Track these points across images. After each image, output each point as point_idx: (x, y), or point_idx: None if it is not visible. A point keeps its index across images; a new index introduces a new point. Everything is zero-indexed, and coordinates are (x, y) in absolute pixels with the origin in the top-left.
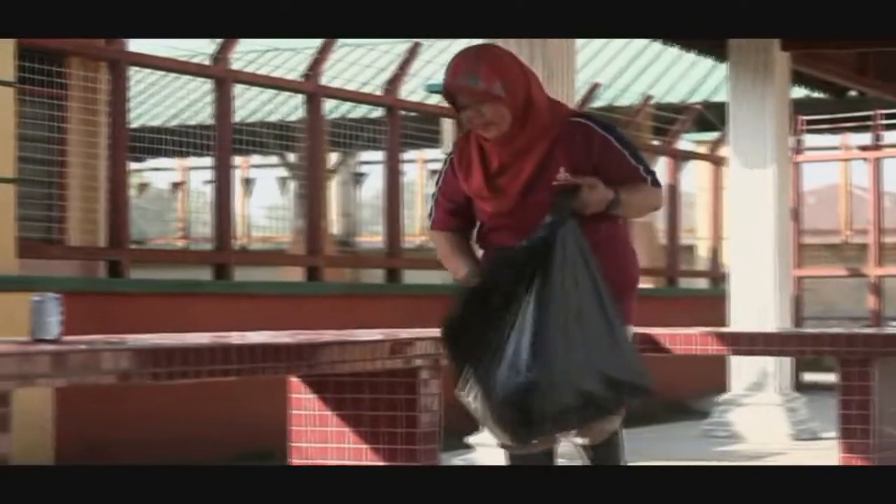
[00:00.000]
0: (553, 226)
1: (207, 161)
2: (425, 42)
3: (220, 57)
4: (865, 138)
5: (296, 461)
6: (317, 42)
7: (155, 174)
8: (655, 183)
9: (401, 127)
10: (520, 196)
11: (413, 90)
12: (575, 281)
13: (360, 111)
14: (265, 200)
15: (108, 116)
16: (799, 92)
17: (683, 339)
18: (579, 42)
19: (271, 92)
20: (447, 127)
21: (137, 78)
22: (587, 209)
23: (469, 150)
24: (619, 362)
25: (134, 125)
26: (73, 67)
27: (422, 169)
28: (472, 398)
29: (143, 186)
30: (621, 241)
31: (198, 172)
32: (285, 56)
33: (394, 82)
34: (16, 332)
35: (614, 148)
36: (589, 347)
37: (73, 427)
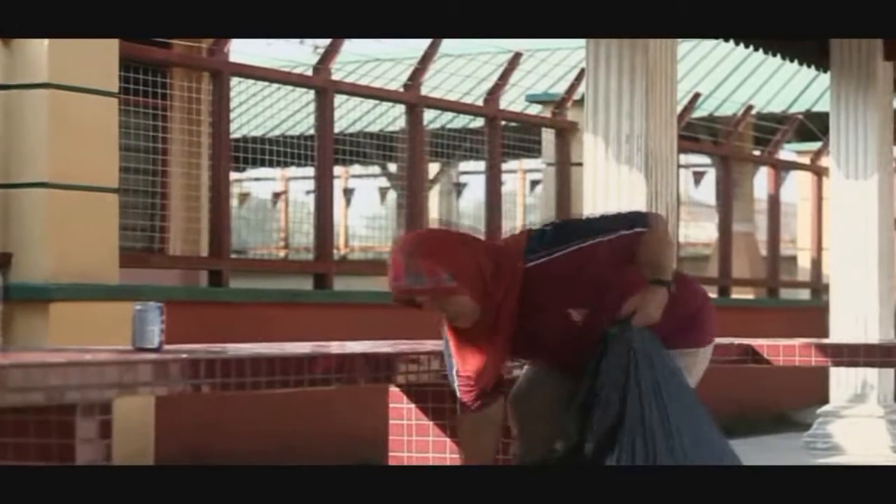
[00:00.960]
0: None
1: (308, 171)
2: (526, 52)
3: (322, 67)
4: None
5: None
6: (418, 52)
7: (256, 184)
8: (642, 221)
9: (501, 137)
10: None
11: (513, 100)
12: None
13: (461, 121)
14: (365, 210)
15: (210, 126)
16: None
17: (785, 350)
18: (680, 51)
19: (372, 102)
20: (548, 137)
21: (239, 88)
22: (653, 319)
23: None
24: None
25: (235, 135)
26: (175, 78)
27: (522, 179)
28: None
29: (244, 196)
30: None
31: (299, 183)
32: (386, 66)
33: (494, 92)
34: (118, 340)
35: (586, 250)
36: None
37: (173, 434)
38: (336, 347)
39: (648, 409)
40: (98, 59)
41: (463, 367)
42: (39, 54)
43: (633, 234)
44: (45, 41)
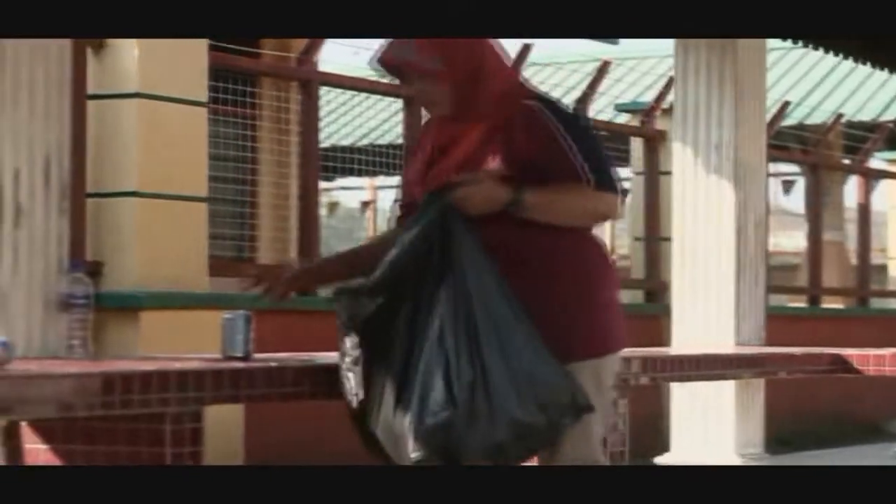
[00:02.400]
0: (425, 222)
1: (397, 180)
2: (615, 60)
3: None
4: None
5: None
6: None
7: (344, 193)
8: (605, 186)
9: None
10: None
11: (602, 109)
12: (478, 286)
13: None
14: None
15: (298, 136)
16: None
17: (875, 360)
18: (769, 60)
19: None
20: (636, 146)
21: (328, 98)
22: (469, 208)
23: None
24: (547, 378)
25: (324, 144)
26: (264, 87)
27: None
28: (380, 435)
29: (333, 205)
30: (566, 252)
31: (387, 192)
32: None
33: (583, 101)
34: (207, 348)
35: (556, 138)
36: (511, 366)
37: (262, 440)
38: None
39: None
40: (188, 68)
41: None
42: (130, 64)
43: (586, 177)
44: (136, 51)
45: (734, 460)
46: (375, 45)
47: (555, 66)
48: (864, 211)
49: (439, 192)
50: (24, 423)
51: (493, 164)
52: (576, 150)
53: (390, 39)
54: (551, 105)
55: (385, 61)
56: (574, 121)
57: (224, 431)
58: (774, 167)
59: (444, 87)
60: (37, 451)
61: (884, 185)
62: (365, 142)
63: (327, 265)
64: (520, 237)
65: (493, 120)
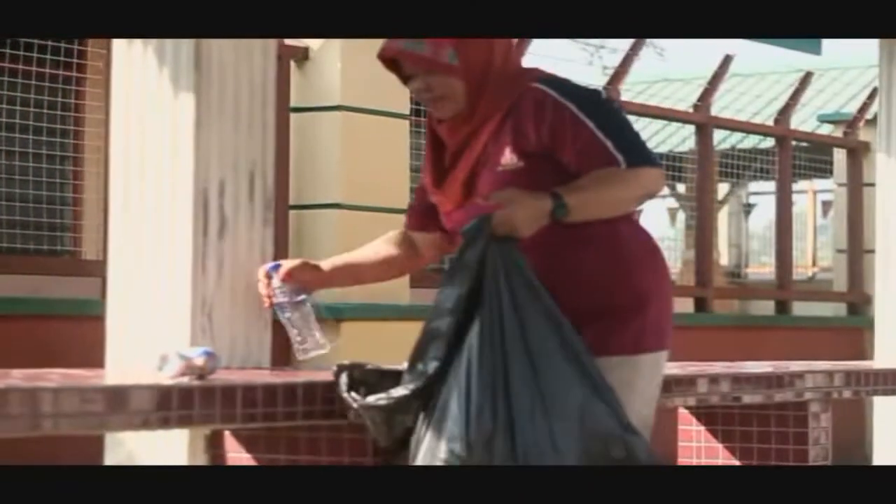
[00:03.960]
0: (468, 258)
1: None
2: (817, 71)
3: (611, 88)
4: None
5: None
6: (708, 72)
7: None
8: (639, 161)
9: (792, 157)
10: (463, 192)
11: (804, 120)
12: (518, 318)
13: (751, 141)
14: (655, 231)
15: None
16: None
17: None
18: None
19: (661, 122)
20: (839, 157)
21: None
22: (516, 233)
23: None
24: (596, 422)
25: None
26: None
27: (812, 200)
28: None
29: None
30: (609, 239)
31: None
32: (675, 86)
33: (785, 112)
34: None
35: (572, 119)
36: (546, 406)
37: None
38: None
39: (482, 353)
40: (389, 81)
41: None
42: (332, 77)
43: (614, 156)
44: (339, 63)
45: None
46: (563, 54)
47: (756, 76)
48: None
49: (476, 228)
50: (227, 432)
51: (507, 158)
52: (597, 129)
53: (386, 43)
54: (560, 84)
55: (387, 56)
56: (589, 98)
57: None
58: None
59: (457, 82)
60: (239, 460)
61: None
62: None
63: (334, 272)
64: (549, 231)
65: (501, 110)
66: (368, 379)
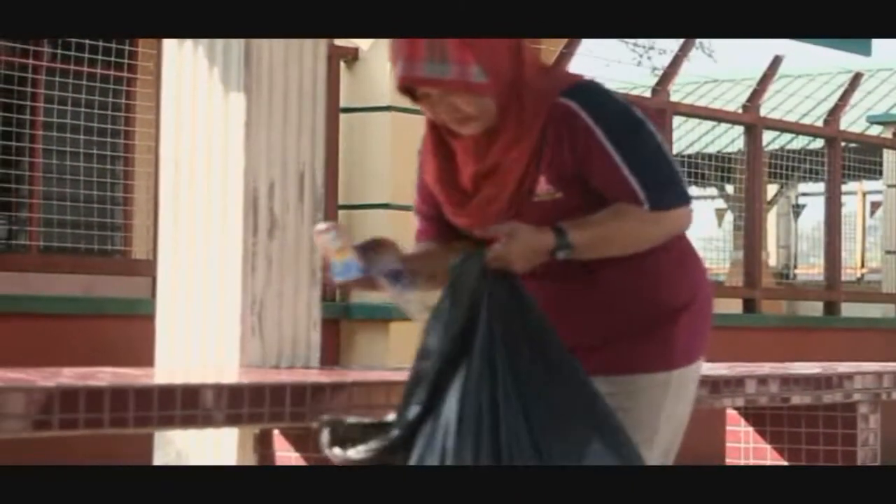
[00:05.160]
0: (458, 296)
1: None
2: (867, 71)
3: (661, 89)
4: None
5: None
6: (757, 73)
7: None
8: (664, 203)
9: (841, 158)
10: (499, 218)
11: (854, 120)
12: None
13: (800, 142)
14: (702, 232)
15: None
16: None
17: None
18: None
19: (710, 123)
20: (889, 158)
21: None
22: (511, 266)
23: (426, 134)
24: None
25: None
26: None
27: (862, 201)
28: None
29: None
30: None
31: None
32: (724, 87)
33: (835, 112)
34: None
35: (598, 148)
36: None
37: None
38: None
39: (479, 395)
40: None
41: (426, 173)
42: (381, 77)
43: (637, 195)
44: (388, 63)
45: None
46: (613, 55)
47: (805, 77)
48: None
49: (469, 258)
50: (276, 431)
51: (543, 188)
52: (622, 163)
53: (412, 57)
54: (593, 101)
55: (407, 82)
56: (621, 121)
57: None
58: None
59: (487, 100)
60: (288, 459)
61: None
62: None
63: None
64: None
65: (539, 120)
66: (351, 434)
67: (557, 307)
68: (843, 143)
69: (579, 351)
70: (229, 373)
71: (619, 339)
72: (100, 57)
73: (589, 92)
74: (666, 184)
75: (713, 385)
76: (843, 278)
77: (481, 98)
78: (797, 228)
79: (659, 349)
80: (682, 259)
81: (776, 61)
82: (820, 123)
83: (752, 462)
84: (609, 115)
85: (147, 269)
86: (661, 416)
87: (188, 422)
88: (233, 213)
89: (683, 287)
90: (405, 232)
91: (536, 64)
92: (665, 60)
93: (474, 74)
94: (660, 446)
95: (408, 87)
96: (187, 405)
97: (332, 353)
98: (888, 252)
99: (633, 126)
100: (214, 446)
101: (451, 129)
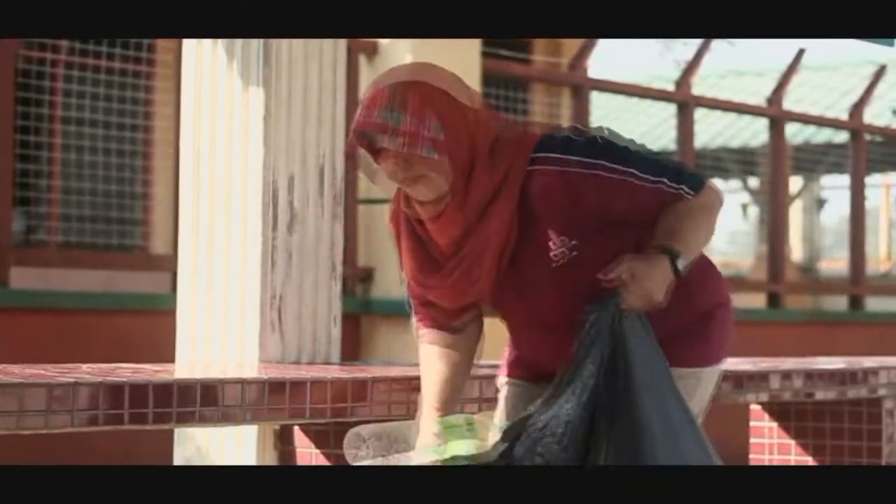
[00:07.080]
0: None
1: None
2: (891, 64)
3: (683, 81)
4: None
5: None
6: (781, 66)
7: None
8: (695, 184)
9: (865, 151)
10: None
11: (878, 113)
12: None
13: (824, 135)
14: (726, 226)
15: None
16: None
17: None
18: None
19: (733, 116)
20: None
21: (598, 103)
22: (655, 300)
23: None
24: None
25: None
26: (536, 93)
27: (887, 194)
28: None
29: None
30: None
31: None
32: (747, 80)
33: (859, 105)
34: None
35: (610, 182)
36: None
37: None
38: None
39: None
40: (461, 74)
41: (406, 269)
42: None
43: (676, 191)
44: (409, 56)
45: None
46: (642, 46)
47: (829, 70)
48: None
49: (598, 309)
50: (296, 428)
51: (557, 252)
52: (639, 173)
53: (370, 105)
54: (565, 152)
55: (361, 127)
56: (610, 149)
57: None
58: None
59: (443, 159)
60: (309, 456)
61: None
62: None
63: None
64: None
65: (513, 200)
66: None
67: None
68: (867, 136)
69: None
70: (249, 368)
71: (665, 341)
72: (118, 51)
73: (554, 145)
74: (681, 171)
75: (737, 380)
76: (868, 272)
77: (437, 156)
78: (821, 222)
79: (700, 347)
80: (708, 261)
81: (799, 54)
82: (844, 116)
83: (776, 458)
84: (593, 150)
85: (167, 263)
86: (692, 403)
87: (207, 418)
88: (252, 208)
89: (722, 286)
90: None
91: (494, 128)
92: (688, 53)
93: (432, 129)
94: None
95: (369, 143)
96: (207, 401)
97: (352, 349)
98: None
99: (611, 148)
100: (235, 442)
101: (420, 218)
